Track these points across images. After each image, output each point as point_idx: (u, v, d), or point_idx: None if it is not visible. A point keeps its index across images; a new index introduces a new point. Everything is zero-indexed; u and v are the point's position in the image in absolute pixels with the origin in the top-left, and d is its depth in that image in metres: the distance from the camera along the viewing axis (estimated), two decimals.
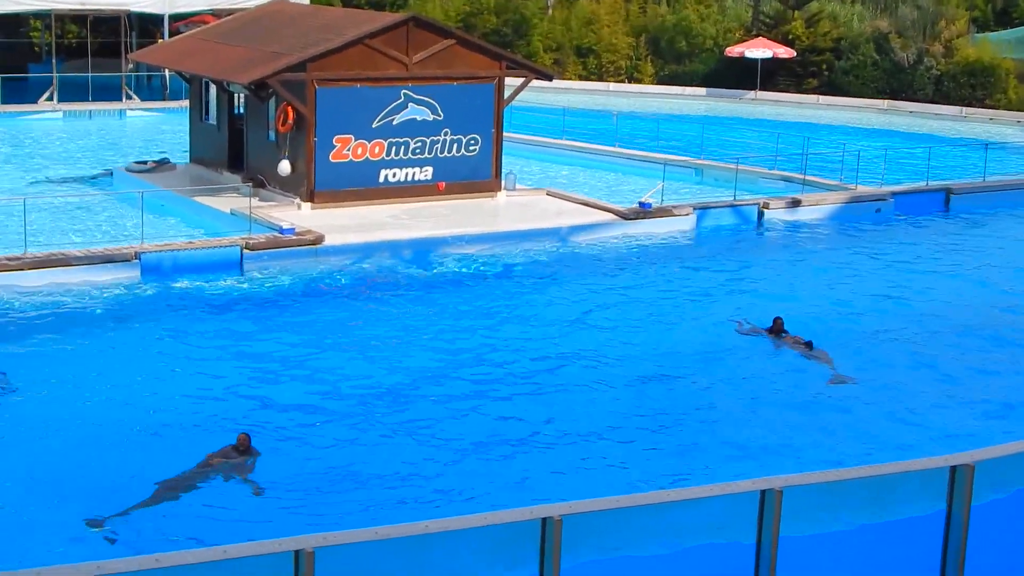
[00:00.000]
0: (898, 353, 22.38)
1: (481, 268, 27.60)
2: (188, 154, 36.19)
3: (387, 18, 32.28)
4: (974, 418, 19.16)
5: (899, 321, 24.45)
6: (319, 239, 27.43)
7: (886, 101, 56.49)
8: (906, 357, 22.19)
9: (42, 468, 16.18)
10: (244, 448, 16.73)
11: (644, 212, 31.42)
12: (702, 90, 59.62)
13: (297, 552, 8.32)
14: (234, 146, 33.42)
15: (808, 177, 36.53)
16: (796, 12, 60.23)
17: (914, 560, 10.55)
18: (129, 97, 51.52)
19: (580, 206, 32.27)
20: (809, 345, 21.75)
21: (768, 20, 61.02)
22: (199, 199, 31.07)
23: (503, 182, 32.94)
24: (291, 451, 17.17)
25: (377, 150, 30.84)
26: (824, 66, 59.12)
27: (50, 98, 49.67)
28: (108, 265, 25.10)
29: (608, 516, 9.41)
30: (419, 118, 31.23)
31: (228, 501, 15.77)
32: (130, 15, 52.95)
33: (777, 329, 22.56)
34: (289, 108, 29.77)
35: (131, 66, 51.70)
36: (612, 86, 60.61)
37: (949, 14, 59.45)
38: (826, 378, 20.68)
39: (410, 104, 31.03)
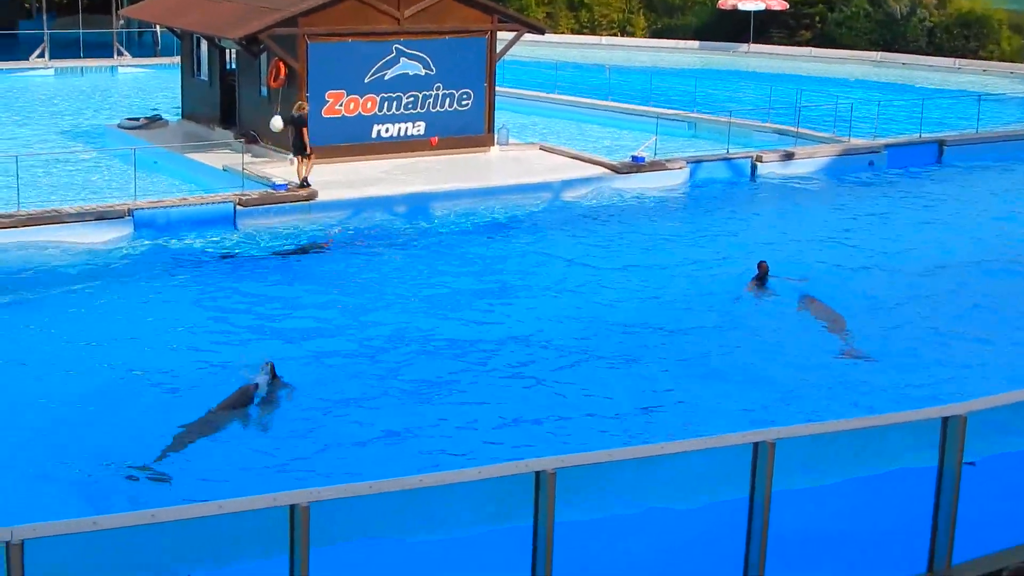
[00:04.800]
0: (894, 305, 22.38)
1: (474, 223, 27.57)
2: (180, 110, 36.11)
3: None
4: (970, 369, 19.21)
5: (893, 273, 24.46)
6: (312, 195, 27.39)
7: (879, 53, 56.33)
8: (902, 309, 22.18)
9: (45, 425, 16.19)
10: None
11: (637, 166, 31.38)
12: (695, 43, 59.44)
13: (292, 507, 8.37)
14: (226, 102, 33.31)
15: (801, 130, 36.50)
16: None
17: (907, 513, 10.62)
18: (120, 53, 51.30)
19: (573, 160, 32.21)
20: (811, 300, 21.83)
21: None
22: (192, 155, 31.00)
23: (496, 136, 32.88)
24: (284, 402, 17.22)
25: (369, 105, 30.75)
26: (817, 18, 58.93)
27: (41, 55, 49.45)
28: (101, 222, 25.09)
29: (602, 469, 9.45)
30: (411, 73, 31.11)
31: (241, 447, 15.86)
32: None
33: (763, 275, 22.76)
34: (281, 63, 29.65)
35: (122, 22, 51.42)
36: (605, 40, 60.39)
37: None
38: (826, 332, 20.64)
39: (402, 59, 30.92)
